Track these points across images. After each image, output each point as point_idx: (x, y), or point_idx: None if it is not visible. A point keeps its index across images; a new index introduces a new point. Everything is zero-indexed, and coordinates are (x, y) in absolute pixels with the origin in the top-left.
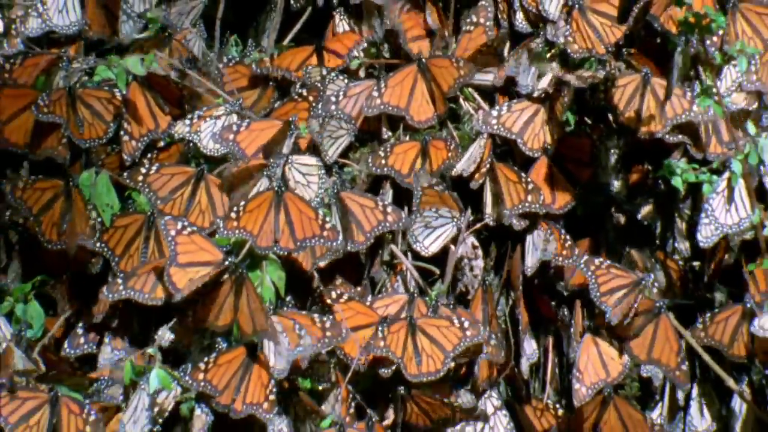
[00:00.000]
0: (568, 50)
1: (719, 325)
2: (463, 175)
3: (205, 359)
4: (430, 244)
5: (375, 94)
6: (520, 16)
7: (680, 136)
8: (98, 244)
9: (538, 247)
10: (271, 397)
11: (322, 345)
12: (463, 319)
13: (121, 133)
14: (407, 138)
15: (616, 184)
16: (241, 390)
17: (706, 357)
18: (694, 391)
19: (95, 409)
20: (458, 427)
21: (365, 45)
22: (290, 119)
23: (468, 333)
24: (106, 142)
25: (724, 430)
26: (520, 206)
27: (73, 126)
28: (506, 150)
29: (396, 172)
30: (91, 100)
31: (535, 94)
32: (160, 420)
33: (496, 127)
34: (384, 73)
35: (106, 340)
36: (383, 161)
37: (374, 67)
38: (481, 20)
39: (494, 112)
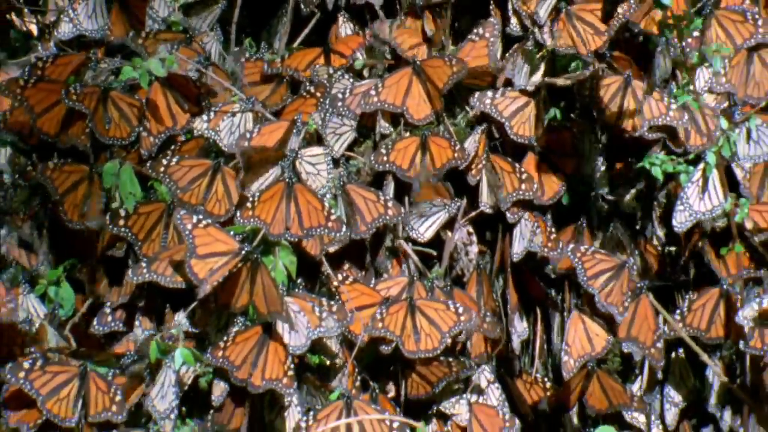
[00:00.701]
0: (557, 45)
1: (696, 312)
2: (459, 167)
3: (224, 338)
4: (425, 230)
5: (372, 92)
6: (513, 21)
7: (659, 133)
8: (123, 229)
9: (525, 237)
10: (290, 372)
11: (337, 329)
12: (458, 304)
13: (140, 129)
14: (407, 134)
15: (600, 175)
16: (258, 365)
17: (683, 334)
18: (672, 365)
19: (120, 383)
20: (455, 398)
21: (366, 46)
22: (295, 118)
23: (462, 318)
24: (128, 144)
25: (698, 401)
26: (514, 194)
27: (100, 122)
28: (500, 143)
29: (397, 167)
30: (122, 104)
31: (528, 88)
32: (181, 393)
33: (489, 107)
34: (386, 72)
35: (137, 322)
36: (385, 158)
37: (377, 67)
38: (487, 34)
39: (489, 94)
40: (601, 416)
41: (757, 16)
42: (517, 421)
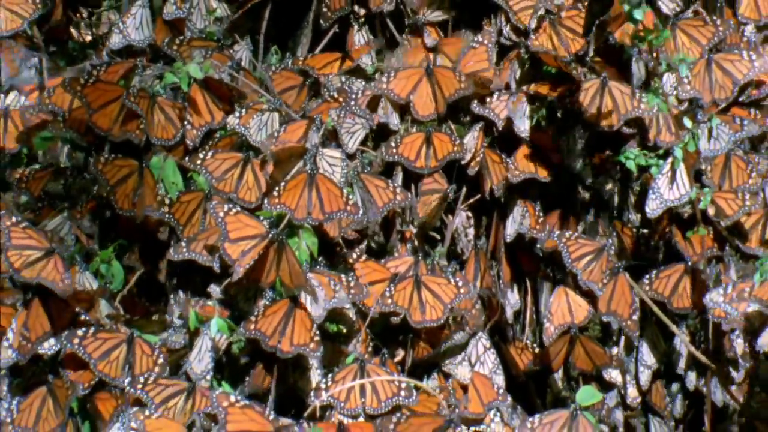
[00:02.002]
0: (529, 44)
1: (662, 281)
2: (461, 162)
3: (254, 313)
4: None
5: (384, 79)
6: (507, 30)
7: (633, 129)
8: (166, 216)
9: (516, 220)
10: (316, 338)
11: (348, 299)
12: (458, 278)
13: (185, 123)
14: (414, 129)
15: (582, 167)
16: (285, 333)
17: (655, 308)
18: (645, 333)
19: (163, 351)
20: (457, 362)
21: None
22: (315, 117)
23: (462, 290)
24: (174, 144)
25: (668, 364)
26: (504, 182)
27: (150, 124)
28: (496, 138)
29: (405, 159)
30: (167, 109)
31: (518, 92)
32: (216, 357)
33: (487, 111)
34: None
35: (180, 293)
36: (394, 150)
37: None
38: (485, 41)
39: (487, 100)
40: (582, 377)
41: (715, 18)
42: (509, 398)
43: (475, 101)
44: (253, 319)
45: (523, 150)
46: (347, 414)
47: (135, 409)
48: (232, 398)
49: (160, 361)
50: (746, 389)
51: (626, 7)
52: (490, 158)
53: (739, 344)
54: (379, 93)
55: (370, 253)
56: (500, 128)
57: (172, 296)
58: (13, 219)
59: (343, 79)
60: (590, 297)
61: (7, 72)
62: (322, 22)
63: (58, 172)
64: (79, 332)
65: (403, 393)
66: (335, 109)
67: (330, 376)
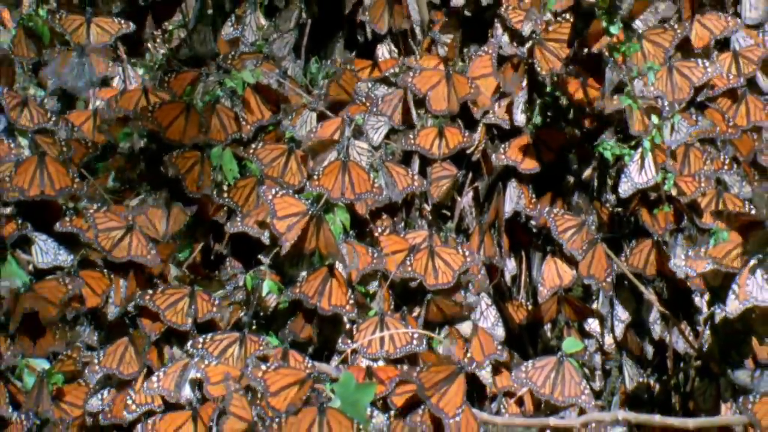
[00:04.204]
0: (537, 68)
1: (636, 256)
2: (467, 150)
3: (299, 279)
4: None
5: (410, 73)
6: (505, 39)
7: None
8: (226, 199)
9: (513, 200)
10: (351, 301)
11: (369, 268)
12: (465, 249)
13: (240, 119)
14: (429, 124)
15: (570, 156)
16: (324, 294)
17: (627, 271)
18: (619, 294)
19: (224, 303)
20: (465, 321)
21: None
22: (344, 115)
23: (468, 258)
24: (226, 144)
25: (637, 320)
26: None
27: (209, 127)
28: (494, 135)
29: (421, 148)
30: (223, 115)
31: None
32: (265, 313)
33: (494, 118)
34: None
35: (227, 262)
36: (412, 141)
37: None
38: (491, 51)
39: (492, 108)
40: (566, 328)
41: (673, 24)
42: (505, 354)
43: (490, 112)
44: (298, 284)
45: (520, 141)
46: (369, 357)
47: (196, 359)
48: (264, 367)
49: (216, 302)
50: (702, 337)
51: (604, 23)
52: (490, 152)
53: (697, 300)
54: (404, 86)
55: (393, 227)
56: (506, 128)
57: (229, 263)
58: (95, 206)
59: (370, 85)
60: (574, 264)
61: (94, 70)
62: (370, 28)
63: (136, 161)
64: (150, 291)
65: (415, 342)
66: (362, 113)
67: (355, 326)
